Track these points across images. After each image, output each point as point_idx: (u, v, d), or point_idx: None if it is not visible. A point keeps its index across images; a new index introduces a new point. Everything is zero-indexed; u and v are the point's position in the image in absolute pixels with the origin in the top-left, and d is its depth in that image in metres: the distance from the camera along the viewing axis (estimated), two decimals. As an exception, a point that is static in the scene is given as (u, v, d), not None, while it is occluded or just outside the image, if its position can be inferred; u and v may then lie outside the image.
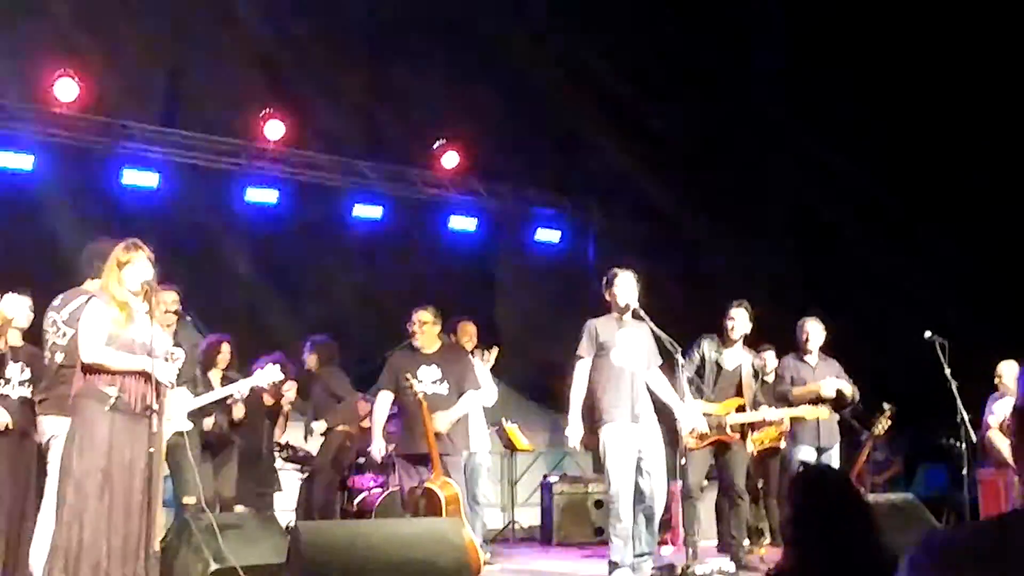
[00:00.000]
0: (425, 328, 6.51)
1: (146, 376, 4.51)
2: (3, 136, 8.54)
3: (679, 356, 6.09)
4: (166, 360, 4.61)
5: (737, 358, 6.80)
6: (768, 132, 10.62)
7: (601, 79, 10.79)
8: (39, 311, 5.55)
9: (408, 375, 6.12)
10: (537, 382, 11.51)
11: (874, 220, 10.08)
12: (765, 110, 10.50)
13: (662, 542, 6.88)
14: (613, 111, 10.90)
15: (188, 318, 6.25)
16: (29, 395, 5.67)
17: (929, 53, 9.39)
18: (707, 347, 6.74)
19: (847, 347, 7.53)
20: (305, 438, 7.87)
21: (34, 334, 5.68)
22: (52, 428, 5.07)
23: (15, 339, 5.72)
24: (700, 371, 6.71)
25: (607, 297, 6.17)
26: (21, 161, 8.51)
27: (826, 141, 10.10)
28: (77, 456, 4.42)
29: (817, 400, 6.95)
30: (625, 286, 6.11)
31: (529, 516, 9.89)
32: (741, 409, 6.74)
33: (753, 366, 6.86)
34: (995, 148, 9.42)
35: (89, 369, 4.50)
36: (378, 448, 6.49)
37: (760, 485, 8.21)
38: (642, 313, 6.06)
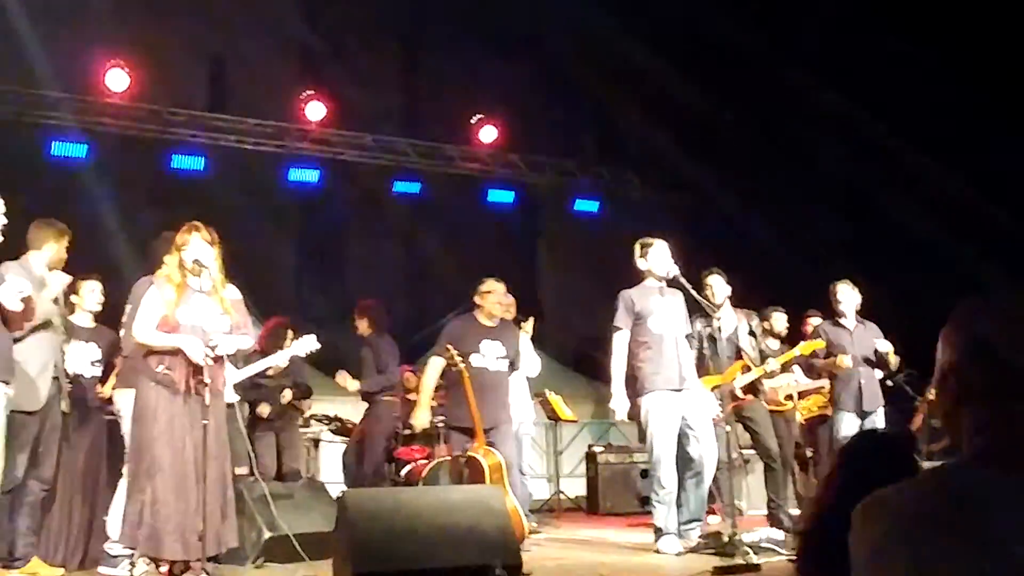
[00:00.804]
0: (494, 300, 6.49)
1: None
2: (59, 127, 8.81)
3: (718, 323, 6.08)
4: (211, 347, 4.75)
5: (729, 324, 6.78)
6: (805, 103, 10.51)
7: (637, 51, 10.78)
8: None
9: (450, 347, 6.16)
10: (580, 353, 11.63)
11: (916, 186, 9.97)
12: (803, 81, 10.39)
13: (709, 511, 6.92)
14: (650, 82, 10.89)
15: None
16: (100, 374, 5.93)
17: (968, 17, 9.24)
18: (698, 325, 6.68)
19: (897, 314, 7.51)
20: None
21: (104, 316, 5.95)
22: (123, 403, 5.31)
23: (87, 321, 5.94)
24: (700, 351, 6.69)
25: (642, 266, 6.20)
26: (76, 150, 8.76)
27: (865, 110, 10.00)
28: (137, 430, 4.64)
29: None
30: (660, 255, 6.13)
31: (575, 487, 9.99)
32: (747, 370, 6.75)
33: (750, 326, 6.84)
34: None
35: (146, 349, 4.70)
36: (424, 417, 6.47)
37: (810, 454, 8.23)
38: (682, 280, 6.06)
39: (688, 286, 6.09)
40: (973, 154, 9.46)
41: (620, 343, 6.09)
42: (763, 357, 6.95)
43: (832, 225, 11.32)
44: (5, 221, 4.74)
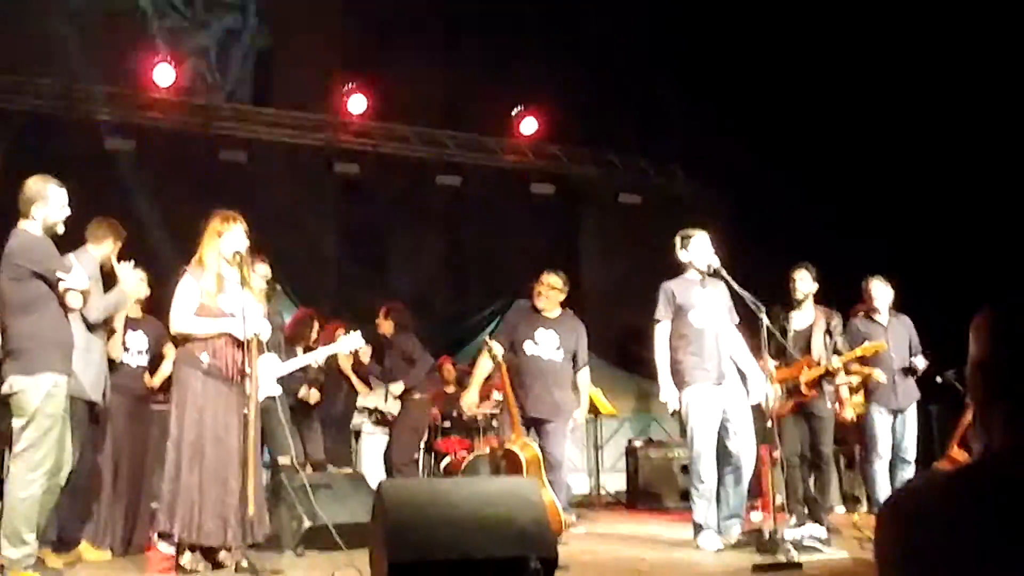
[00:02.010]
0: (552, 293, 6.56)
1: (237, 342, 4.75)
2: (109, 122, 9.01)
3: (763, 316, 5.96)
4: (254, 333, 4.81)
5: (806, 319, 6.72)
6: (851, 95, 10.34)
7: (680, 41, 10.68)
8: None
9: (489, 340, 6.19)
10: (623, 347, 11.55)
11: (963, 180, 9.78)
12: (847, 74, 10.23)
13: (752, 508, 6.86)
14: (693, 73, 10.78)
15: (278, 287, 6.47)
16: (146, 363, 6.04)
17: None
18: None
19: (944, 309, 7.35)
20: (385, 400, 8.07)
21: (150, 307, 6.06)
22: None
23: (135, 311, 6.05)
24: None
25: (683, 258, 6.16)
26: (124, 144, 8.93)
27: (908, 104, 9.83)
28: (176, 418, 4.71)
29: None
30: (701, 246, 6.09)
31: (615, 481, 9.97)
32: (812, 367, 6.67)
33: (828, 324, 6.75)
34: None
35: (184, 338, 4.77)
36: (472, 399, 6.48)
37: (858, 451, 8.12)
38: (723, 272, 6.00)
39: (729, 278, 6.02)
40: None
41: (662, 335, 6.07)
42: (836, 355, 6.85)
43: (879, 220, 11.14)
44: (69, 212, 4.84)
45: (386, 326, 7.96)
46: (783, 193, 11.09)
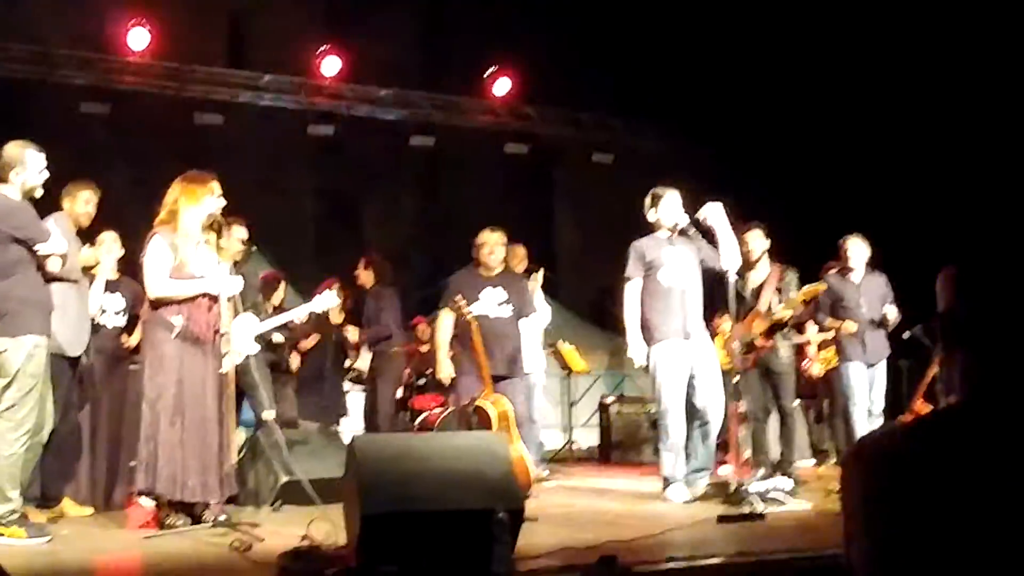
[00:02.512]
0: (498, 250, 6.64)
1: (210, 303, 4.86)
2: (84, 86, 8.99)
3: (731, 275, 6.08)
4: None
5: (761, 276, 6.90)
6: (825, 54, 10.42)
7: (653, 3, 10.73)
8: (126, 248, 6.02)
9: (458, 298, 6.30)
10: (596, 304, 11.73)
11: (911, 136, 9.96)
12: (820, 32, 10.30)
13: (721, 462, 7.05)
14: (666, 32, 10.84)
15: (255, 248, 6.55)
16: (123, 324, 6.14)
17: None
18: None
19: (913, 266, 7.51)
20: (357, 356, 8.17)
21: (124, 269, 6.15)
22: None
23: (111, 272, 6.13)
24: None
25: (651, 217, 6.28)
26: (100, 108, 8.93)
27: (881, 61, 9.94)
28: (150, 379, 4.81)
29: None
30: (671, 205, 6.19)
31: (589, 437, 10.16)
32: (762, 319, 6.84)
33: (779, 279, 6.91)
34: None
35: (157, 301, 4.86)
36: (446, 371, 6.58)
37: (827, 404, 8.34)
38: (691, 231, 6.14)
39: (698, 238, 6.17)
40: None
41: (632, 292, 6.20)
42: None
43: (853, 178, 11.27)
44: (47, 176, 4.90)
45: (365, 276, 8.02)
46: (756, 151, 11.22)
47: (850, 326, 7.05)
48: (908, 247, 8.36)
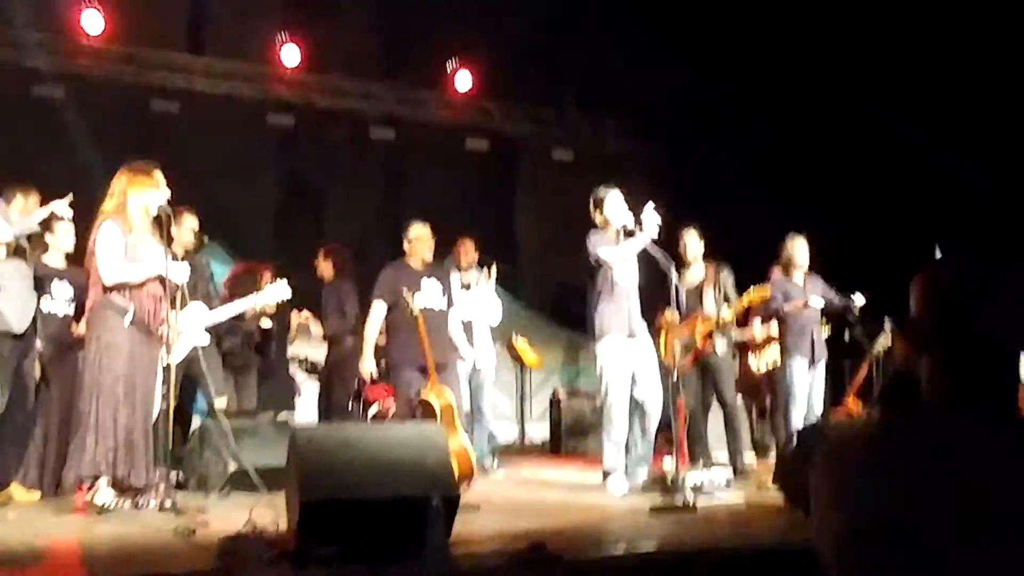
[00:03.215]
0: (424, 242, 6.74)
1: (156, 292, 4.91)
2: (38, 70, 8.89)
3: (673, 273, 6.24)
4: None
5: (696, 275, 7.09)
6: (783, 57, 10.58)
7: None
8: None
9: (406, 290, 6.39)
10: (555, 300, 11.84)
11: (869, 130, 10.17)
12: (779, 36, 10.47)
13: (666, 453, 7.21)
14: (628, 30, 10.96)
15: (206, 238, 6.59)
16: (72, 312, 6.16)
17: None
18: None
19: (860, 265, 7.70)
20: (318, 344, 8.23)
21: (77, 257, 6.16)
22: None
23: (59, 261, 6.15)
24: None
25: (597, 219, 6.41)
26: (53, 91, 8.85)
27: (835, 66, 10.12)
28: (97, 365, 4.85)
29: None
30: (615, 205, 6.34)
31: (543, 430, 10.29)
32: (704, 321, 7.04)
33: (717, 279, 7.08)
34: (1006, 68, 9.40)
35: (111, 287, 4.90)
36: (369, 365, 6.63)
37: (769, 400, 8.52)
38: (637, 231, 6.25)
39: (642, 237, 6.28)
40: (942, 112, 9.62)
41: (609, 252, 6.22)
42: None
43: (807, 180, 11.47)
44: None
45: (325, 267, 8.03)
46: (715, 150, 11.39)
47: (812, 300, 7.17)
48: (847, 248, 8.57)
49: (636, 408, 6.27)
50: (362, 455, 4.12)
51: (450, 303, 6.85)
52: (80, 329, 6.16)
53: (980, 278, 1.58)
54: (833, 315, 7.71)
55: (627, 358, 6.24)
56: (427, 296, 6.58)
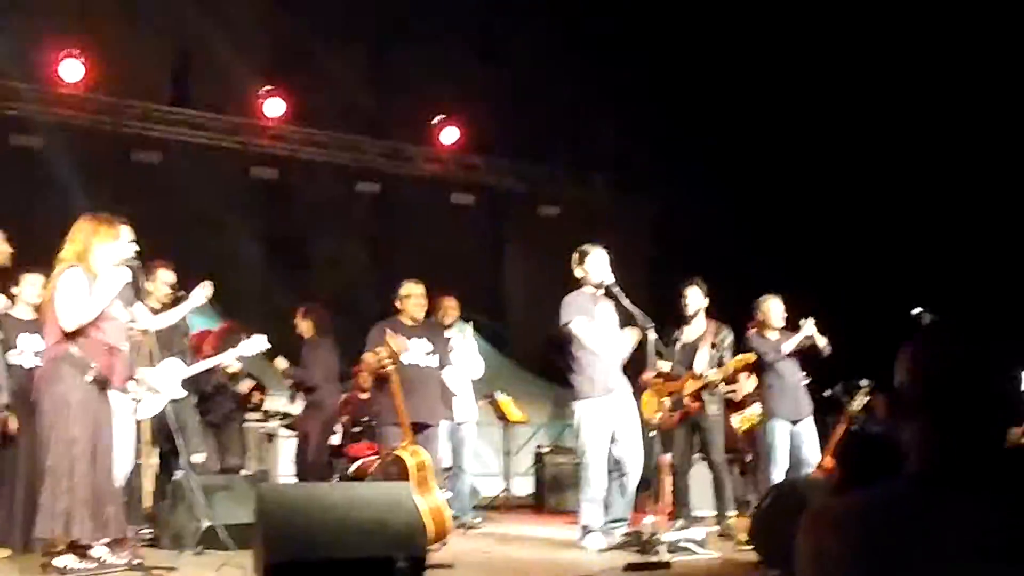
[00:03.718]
0: (422, 301, 6.74)
1: (115, 347, 4.80)
2: (16, 117, 8.86)
3: (651, 332, 6.20)
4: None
5: (696, 331, 7.02)
6: (771, 108, 10.67)
7: (599, 54, 10.94)
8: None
9: (379, 350, 6.34)
10: (543, 357, 11.76)
11: (852, 193, 10.22)
12: (767, 87, 10.57)
13: (646, 510, 7.10)
14: (613, 86, 11.05)
15: (182, 293, 6.52)
16: (40, 364, 6.05)
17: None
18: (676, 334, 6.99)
19: (837, 326, 7.66)
20: (292, 402, 8.17)
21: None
22: None
23: (27, 313, 6.06)
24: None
25: (578, 274, 6.38)
26: (30, 140, 8.83)
27: (826, 120, 10.21)
28: (55, 422, 4.71)
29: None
30: (598, 263, 6.31)
31: (528, 485, 10.17)
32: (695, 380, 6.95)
33: (715, 337, 7.02)
34: (986, 123, 9.49)
35: (68, 337, 4.77)
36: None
37: (748, 459, 8.43)
38: (615, 290, 6.24)
39: (622, 296, 6.26)
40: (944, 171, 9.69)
41: (581, 326, 6.21)
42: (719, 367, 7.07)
43: (795, 234, 11.49)
44: None
45: (304, 326, 8.00)
46: (701, 206, 11.41)
47: (793, 342, 7.11)
48: (828, 306, 8.53)
49: (615, 466, 6.19)
50: (329, 514, 4.03)
51: (442, 363, 6.80)
52: None
53: (967, 346, 1.59)
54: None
55: (606, 416, 6.19)
56: (414, 353, 6.54)
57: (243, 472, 7.05)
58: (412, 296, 6.72)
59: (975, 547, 1.38)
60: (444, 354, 6.86)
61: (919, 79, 9.70)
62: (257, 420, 8.54)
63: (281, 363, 7.69)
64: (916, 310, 7.02)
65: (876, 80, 10.07)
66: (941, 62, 9.44)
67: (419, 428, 6.25)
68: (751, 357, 7.04)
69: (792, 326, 7.31)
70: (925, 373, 1.57)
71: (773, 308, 7.25)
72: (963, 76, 9.46)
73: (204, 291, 6.30)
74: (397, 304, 6.79)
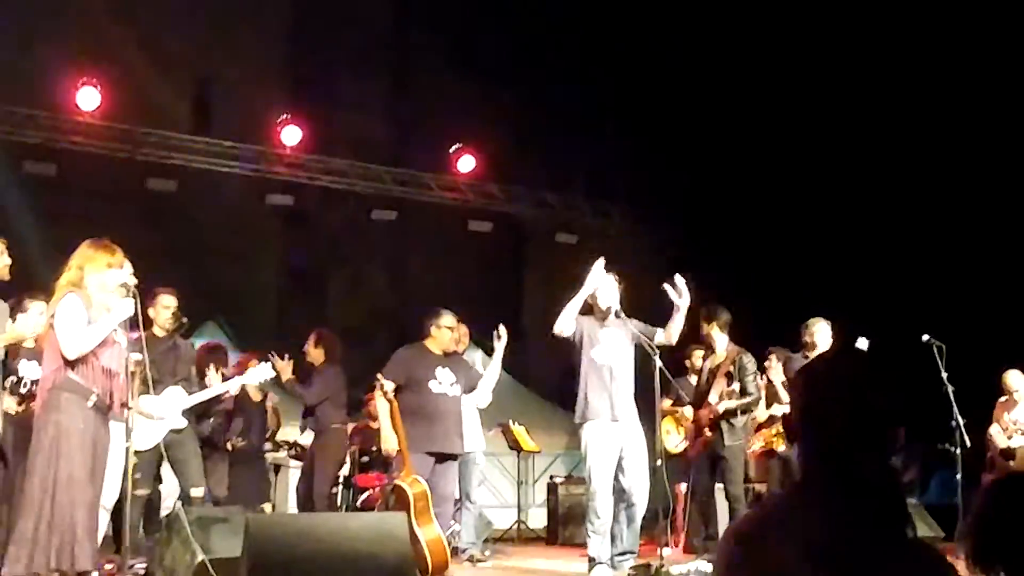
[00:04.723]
0: (452, 335, 6.73)
1: (113, 373, 4.75)
2: (30, 144, 8.92)
3: (657, 359, 6.09)
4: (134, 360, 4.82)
5: (715, 360, 6.91)
6: (787, 135, 10.58)
7: (616, 81, 10.90)
8: None
9: (381, 376, 6.27)
10: (560, 384, 11.63)
11: (871, 221, 10.09)
12: (782, 114, 10.48)
13: (665, 544, 6.94)
14: (630, 113, 10.99)
15: (185, 320, 6.46)
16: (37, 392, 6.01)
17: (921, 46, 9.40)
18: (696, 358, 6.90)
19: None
20: (301, 432, 8.09)
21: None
22: None
23: (30, 341, 6.03)
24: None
25: (588, 299, 6.30)
26: (45, 168, 8.88)
27: (839, 145, 10.11)
28: (56, 452, 4.63)
29: None
30: (605, 289, 6.24)
31: (543, 517, 10.01)
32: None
33: (734, 363, 6.88)
34: (992, 148, 9.38)
35: (68, 363, 4.72)
36: (392, 443, 6.35)
37: (757, 488, 8.22)
38: (622, 317, 6.17)
39: (628, 323, 6.17)
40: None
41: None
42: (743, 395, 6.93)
43: (812, 262, 11.35)
44: None
45: (315, 354, 7.92)
46: (718, 232, 11.30)
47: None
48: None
49: (622, 496, 6.04)
50: (317, 547, 3.93)
51: (466, 391, 6.78)
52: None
53: (833, 375, 1.73)
54: None
55: (611, 443, 6.06)
56: (442, 383, 6.53)
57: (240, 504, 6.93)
58: (449, 327, 6.70)
59: (806, 554, 1.55)
60: (469, 384, 6.81)
61: (919, 98, 9.63)
62: (267, 451, 8.45)
63: (286, 372, 7.55)
64: (924, 337, 6.93)
65: (883, 101, 9.97)
66: (936, 79, 9.34)
67: (441, 459, 6.17)
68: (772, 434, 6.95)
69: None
70: (800, 400, 1.73)
71: (820, 330, 7.07)
72: (955, 89, 9.36)
73: (262, 371, 6.47)
74: (432, 330, 6.71)
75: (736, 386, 6.87)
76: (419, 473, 6.09)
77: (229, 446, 7.38)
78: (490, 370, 7.24)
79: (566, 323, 6.20)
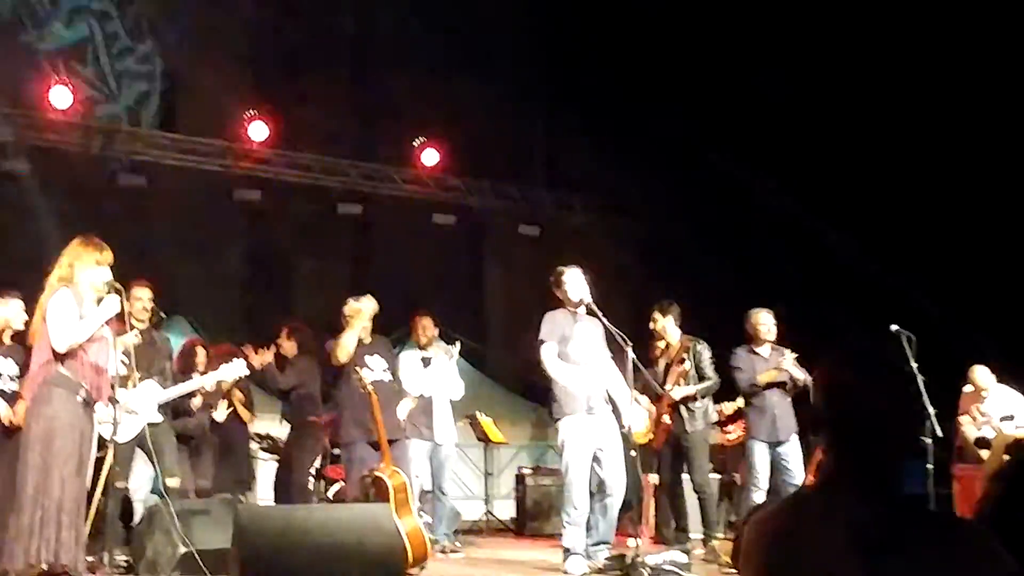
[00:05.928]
0: (359, 318, 6.71)
1: (100, 367, 4.81)
2: (2, 143, 8.88)
3: (630, 351, 6.23)
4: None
5: (671, 351, 7.10)
6: (747, 127, 10.76)
7: (579, 74, 11.04)
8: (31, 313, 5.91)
9: (357, 367, 6.37)
10: (523, 376, 11.78)
11: (837, 213, 10.30)
12: (743, 107, 10.67)
13: (632, 535, 7.11)
14: (592, 107, 11.14)
15: (163, 315, 6.51)
16: (17, 389, 6.03)
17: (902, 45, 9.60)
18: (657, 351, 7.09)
19: (815, 342, 7.69)
20: (280, 423, 8.15)
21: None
22: None
23: (5, 338, 6.04)
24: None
25: (558, 294, 6.41)
26: (17, 165, 8.85)
27: (799, 136, 10.31)
28: (47, 445, 4.70)
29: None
30: (574, 282, 6.34)
31: (510, 508, 10.14)
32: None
33: (687, 352, 7.07)
34: (964, 145, 9.60)
35: (58, 358, 4.78)
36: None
37: (734, 479, 8.45)
38: (595, 308, 6.28)
39: (600, 315, 6.30)
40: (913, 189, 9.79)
41: (550, 352, 6.26)
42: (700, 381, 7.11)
43: (776, 255, 11.55)
44: None
45: (288, 347, 7.95)
46: (680, 225, 11.49)
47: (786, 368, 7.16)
48: (812, 320, 8.58)
49: (598, 488, 6.19)
50: (306, 538, 4.04)
51: (397, 379, 6.85)
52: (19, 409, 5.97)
53: (861, 364, 1.77)
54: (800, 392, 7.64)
55: (588, 436, 6.17)
56: (374, 370, 6.55)
57: (220, 496, 7.00)
58: (355, 314, 6.69)
59: (853, 542, 1.56)
60: (397, 371, 6.89)
61: (888, 88, 9.84)
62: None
63: (267, 358, 7.60)
64: (893, 327, 7.09)
65: (864, 97, 10.17)
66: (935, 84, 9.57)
67: (390, 444, 6.27)
68: (736, 405, 7.11)
69: (781, 339, 7.34)
70: (827, 395, 1.76)
71: (763, 321, 7.22)
72: (925, 85, 9.59)
73: (236, 368, 6.44)
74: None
75: (692, 371, 7.06)
76: (366, 465, 6.17)
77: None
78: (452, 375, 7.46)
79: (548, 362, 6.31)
